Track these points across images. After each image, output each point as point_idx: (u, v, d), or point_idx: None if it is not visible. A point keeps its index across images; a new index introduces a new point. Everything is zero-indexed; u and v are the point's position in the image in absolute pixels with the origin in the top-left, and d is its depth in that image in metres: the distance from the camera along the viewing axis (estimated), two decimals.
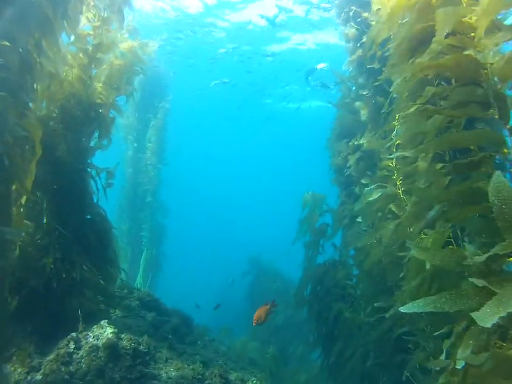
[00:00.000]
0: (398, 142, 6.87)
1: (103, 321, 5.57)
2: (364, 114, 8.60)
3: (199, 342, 7.29)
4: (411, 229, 5.49)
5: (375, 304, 6.31)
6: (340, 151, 9.16)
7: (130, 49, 7.76)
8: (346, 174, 8.65)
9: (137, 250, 16.04)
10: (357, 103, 8.95)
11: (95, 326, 5.45)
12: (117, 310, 7.60)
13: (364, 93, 8.66)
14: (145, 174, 16.52)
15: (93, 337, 5.16)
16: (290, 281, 15.82)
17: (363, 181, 8.28)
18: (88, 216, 5.93)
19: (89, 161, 6.15)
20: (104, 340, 5.10)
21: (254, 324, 5.43)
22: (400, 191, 6.43)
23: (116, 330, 5.42)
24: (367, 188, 6.82)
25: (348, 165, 8.68)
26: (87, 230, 5.77)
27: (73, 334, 5.04)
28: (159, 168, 16.60)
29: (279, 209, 57.03)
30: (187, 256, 42.51)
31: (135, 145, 17.06)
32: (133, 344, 5.22)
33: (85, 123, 6.05)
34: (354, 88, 9.35)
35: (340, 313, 8.17)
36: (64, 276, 5.34)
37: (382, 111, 7.67)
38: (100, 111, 6.65)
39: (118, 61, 7.28)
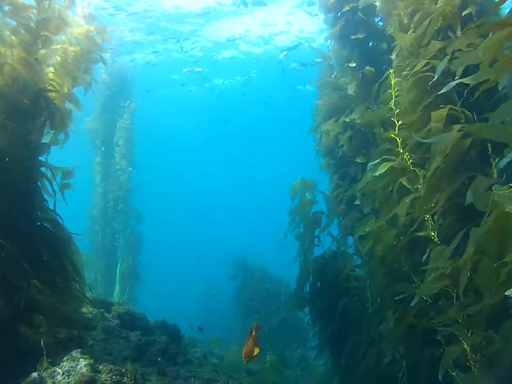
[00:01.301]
0: (399, 110, 6.20)
1: (75, 351, 4.52)
2: (351, 88, 7.83)
3: (193, 360, 6.30)
4: (434, 201, 4.74)
5: (395, 297, 5.48)
6: (328, 131, 8.34)
7: (87, 35, 6.76)
8: (338, 155, 7.84)
9: (113, 262, 14.83)
10: (342, 79, 8.21)
11: (65, 359, 4.40)
12: (95, 332, 6.54)
13: (350, 65, 7.88)
14: (115, 180, 15.32)
15: (63, 374, 4.11)
16: (281, 281, 15.01)
17: (358, 160, 7.51)
18: (39, 223, 4.77)
19: (41, 158, 5.07)
20: (77, 377, 4.06)
21: (245, 363, 4.59)
22: (409, 163, 5.70)
23: (92, 361, 4.39)
24: (370, 163, 6.04)
25: (339, 145, 7.89)
26: (36, 239, 4.66)
27: (34, 374, 3.96)
28: (130, 172, 15.39)
29: (261, 206, 55.56)
30: (167, 264, 40.89)
31: (103, 149, 15.87)
32: (114, 377, 4.20)
33: (32, 113, 4.98)
34: (336, 63, 8.64)
35: (347, 310, 7.34)
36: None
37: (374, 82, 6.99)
38: (53, 101, 5.58)
39: (72, 47, 6.38)
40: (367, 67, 7.49)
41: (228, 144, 44.22)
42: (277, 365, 8.87)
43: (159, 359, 5.61)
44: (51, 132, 5.72)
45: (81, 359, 4.33)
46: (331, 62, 8.88)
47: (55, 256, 4.66)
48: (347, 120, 7.71)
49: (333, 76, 8.53)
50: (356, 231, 6.60)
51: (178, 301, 29.71)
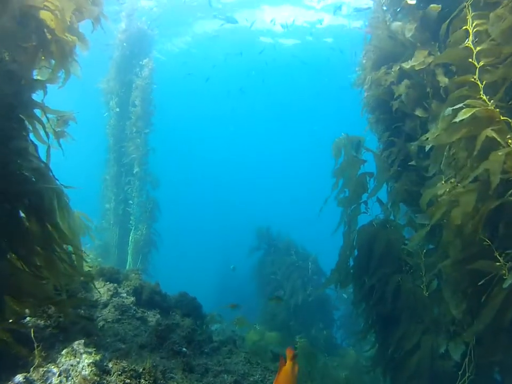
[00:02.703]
0: (483, 46, 5.01)
1: (77, 342, 3.48)
2: (410, 30, 6.58)
3: (221, 348, 5.28)
4: None
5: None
6: (380, 80, 7.05)
7: None
8: (393, 108, 6.59)
9: (127, 231, 13.89)
10: (395, 24, 6.95)
11: (64, 352, 3.37)
12: (106, 311, 5.56)
13: (409, 2, 6.62)
14: (131, 142, 14.17)
15: (59, 376, 3.08)
16: (307, 254, 13.79)
17: (418, 114, 6.29)
18: (18, 172, 3.52)
19: (31, 96, 3.91)
20: (77, 379, 3.02)
21: None
22: (497, 112, 4.54)
23: (99, 357, 3.34)
24: (449, 108, 4.83)
25: (394, 97, 6.64)
26: (11, 194, 3.44)
27: (19, 377, 2.92)
28: (146, 134, 14.23)
29: (286, 173, 52.79)
30: (184, 234, 39.78)
31: (117, 110, 14.67)
32: (128, 381, 3.15)
33: (14, 34, 3.79)
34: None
35: (398, 290, 6.23)
36: None
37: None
38: (48, 25, 4.38)
39: None
40: (432, 5, 6.23)
41: (251, 107, 41.78)
42: (309, 351, 7.82)
43: (183, 348, 4.57)
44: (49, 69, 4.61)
45: (84, 354, 3.29)
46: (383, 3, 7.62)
47: (36, 218, 3.48)
48: (406, 66, 6.41)
49: (386, 19, 7.25)
50: (424, 195, 5.37)
51: (194, 274, 28.84)
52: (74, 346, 3.41)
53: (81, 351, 3.35)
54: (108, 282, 6.16)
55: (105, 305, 5.69)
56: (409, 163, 6.46)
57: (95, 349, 3.48)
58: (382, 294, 6.38)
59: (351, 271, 7.11)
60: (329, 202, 7.38)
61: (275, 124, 46.32)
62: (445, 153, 5.21)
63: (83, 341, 3.49)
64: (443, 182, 5.18)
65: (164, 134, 18.00)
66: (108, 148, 15.08)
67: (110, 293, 5.87)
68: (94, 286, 5.51)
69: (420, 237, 5.83)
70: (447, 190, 5.00)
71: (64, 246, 3.82)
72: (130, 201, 13.90)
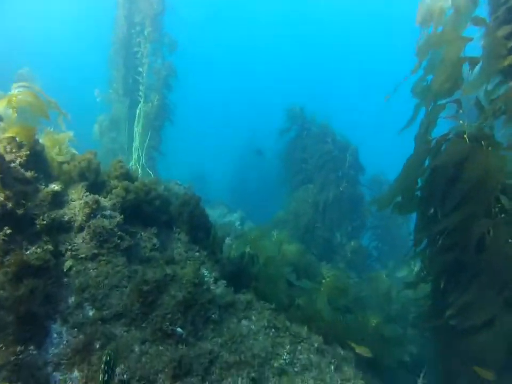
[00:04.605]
0: None
1: None
2: None
3: (237, 302, 3.80)
4: None
5: None
6: None
7: None
8: None
9: (136, 103, 11.83)
10: None
11: None
12: (78, 239, 4.01)
13: None
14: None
15: None
16: (347, 143, 11.68)
17: None
18: None
19: None
20: None
21: None
22: None
23: None
24: None
25: None
26: None
27: None
28: None
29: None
30: (204, 110, 36.44)
31: None
32: None
33: None
34: None
35: (483, 239, 4.44)
36: None
37: None
38: None
39: None
40: None
41: None
42: (340, 279, 6.36)
43: (178, 329, 3.05)
44: None
45: None
46: None
47: None
48: None
49: None
50: None
51: (212, 156, 26.86)
52: None
53: None
54: (88, 193, 4.48)
55: (81, 228, 4.12)
56: None
57: None
58: (459, 240, 4.63)
59: (417, 194, 5.30)
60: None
61: None
62: None
63: None
64: None
65: None
66: (117, 5, 12.26)
67: (88, 209, 4.23)
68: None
69: None
70: None
71: None
72: (140, 69, 11.54)
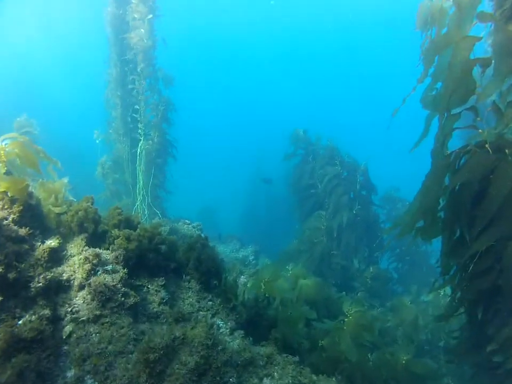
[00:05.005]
0: None
1: None
2: None
3: (256, 359, 3.39)
4: None
5: None
6: None
7: None
8: None
9: (137, 142, 11.64)
10: None
11: None
12: (77, 299, 3.66)
13: None
14: (134, 32, 11.19)
15: None
16: (356, 164, 11.30)
17: None
18: None
19: None
20: None
21: None
22: None
23: None
24: None
25: None
26: None
27: None
28: (149, 19, 11.16)
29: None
30: (205, 141, 36.22)
31: None
32: None
33: None
34: None
35: None
36: None
37: None
38: None
39: None
40: None
41: None
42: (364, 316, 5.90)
43: None
44: None
45: None
46: None
47: None
48: None
49: None
50: None
51: (220, 191, 26.38)
52: None
53: None
54: (87, 247, 4.17)
55: (82, 287, 3.79)
56: None
57: None
58: (493, 264, 4.21)
59: (440, 215, 4.92)
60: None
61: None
62: None
63: None
64: None
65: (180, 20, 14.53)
66: (108, 42, 12.23)
67: (88, 265, 3.91)
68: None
69: None
70: None
71: None
72: (137, 106, 11.41)
